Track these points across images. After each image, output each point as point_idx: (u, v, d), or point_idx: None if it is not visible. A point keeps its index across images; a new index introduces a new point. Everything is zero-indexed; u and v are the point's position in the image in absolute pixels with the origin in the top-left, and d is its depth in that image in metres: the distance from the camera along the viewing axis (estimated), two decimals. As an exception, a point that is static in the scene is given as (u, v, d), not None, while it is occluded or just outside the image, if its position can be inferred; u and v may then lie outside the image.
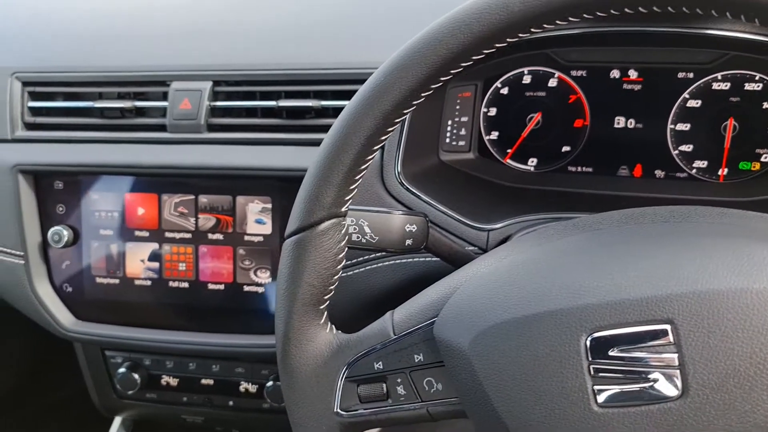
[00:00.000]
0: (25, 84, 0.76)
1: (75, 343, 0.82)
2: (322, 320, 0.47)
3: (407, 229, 0.56)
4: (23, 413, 1.57)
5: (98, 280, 0.75)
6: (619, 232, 0.44)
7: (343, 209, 0.46)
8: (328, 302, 0.48)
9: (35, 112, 0.76)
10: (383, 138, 0.44)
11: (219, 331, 0.72)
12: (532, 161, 0.74)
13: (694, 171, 0.69)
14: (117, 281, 0.74)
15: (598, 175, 0.72)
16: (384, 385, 0.46)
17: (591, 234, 0.44)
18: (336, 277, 0.47)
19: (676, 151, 0.69)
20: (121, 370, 0.79)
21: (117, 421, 0.88)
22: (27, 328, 1.57)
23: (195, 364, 0.78)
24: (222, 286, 0.72)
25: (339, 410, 0.46)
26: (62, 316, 0.75)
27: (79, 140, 0.74)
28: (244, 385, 0.78)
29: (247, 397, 0.78)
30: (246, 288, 0.71)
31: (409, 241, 0.56)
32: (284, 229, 0.69)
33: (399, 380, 0.45)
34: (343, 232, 0.46)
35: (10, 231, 0.75)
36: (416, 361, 0.45)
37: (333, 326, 0.48)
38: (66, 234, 0.73)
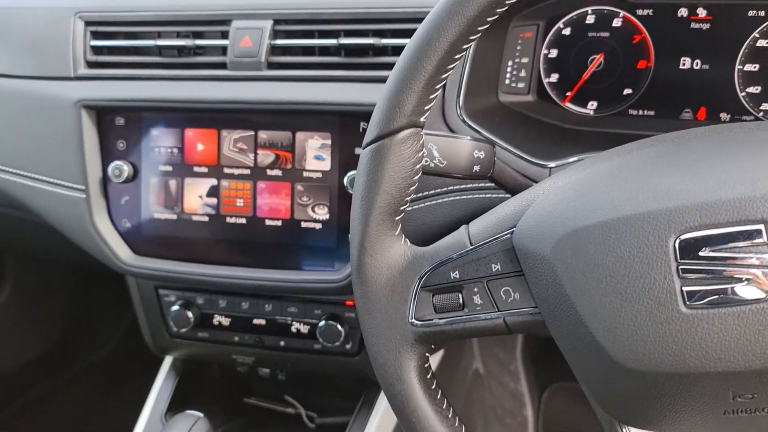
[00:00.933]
0: (87, 23, 0.77)
1: (129, 282, 0.83)
2: (397, 231, 0.48)
3: (475, 155, 0.56)
4: (74, 360, 1.61)
5: (156, 215, 0.76)
6: (703, 142, 0.43)
7: (422, 119, 0.46)
8: (402, 214, 0.48)
9: (97, 50, 0.77)
10: (465, 47, 0.44)
11: (274, 268, 0.72)
12: (592, 104, 0.73)
13: (761, 114, 0.68)
14: (174, 217, 0.75)
15: (659, 118, 0.71)
16: (460, 294, 0.46)
17: (674, 144, 0.44)
18: (412, 188, 0.47)
19: (743, 93, 0.68)
20: (175, 308, 0.80)
21: (168, 360, 0.89)
22: (76, 279, 1.60)
23: (248, 304, 0.79)
24: (279, 223, 0.72)
25: (413, 320, 0.46)
26: (121, 250, 0.76)
27: (140, 78, 0.75)
28: (296, 326, 0.78)
29: (299, 338, 0.78)
30: (303, 224, 0.72)
31: (476, 168, 0.56)
32: (343, 165, 0.70)
33: (476, 290, 0.45)
34: (420, 143, 0.46)
35: (72, 166, 0.76)
36: (494, 270, 0.45)
37: (407, 239, 0.48)
38: (126, 169, 0.74)
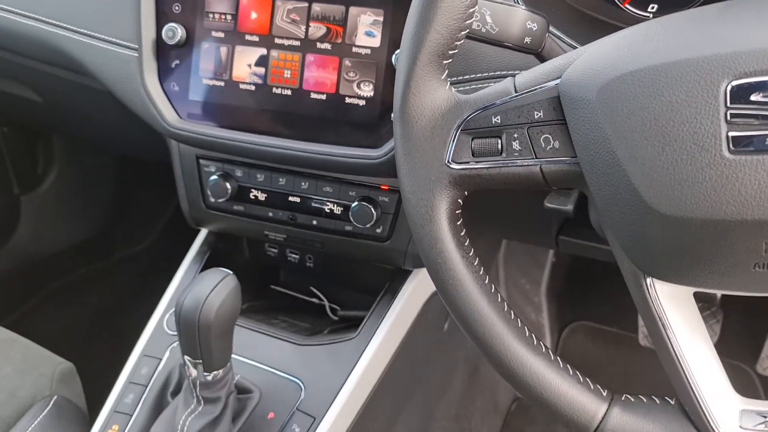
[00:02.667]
0: None
1: (172, 151, 0.85)
2: (443, 76, 0.48)
3: (528, 26, 0.55)
4: (112, 251, 1.67)
5: (204, 81, 0.77)
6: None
7: None
8: (450, 60, 0.48)
9: None
10: None
11: (316, 141, 0.73)
12: (653, 7, 0.71)
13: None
14: (222, 83, 0.76)
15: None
16: (499, 140, 0.46)
17: (737, 3, 0.43)
18: (462, 33, 0.47)
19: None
20: (213, 177, 0.82)
21: (203, 233, 0.91)
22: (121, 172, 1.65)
23: (284, 180, 0.80)
24: (324, 97, 0.73)
25: (450, 162, 0.47)
26: (167, 112, 0.78)
27: None
28: (329, 206, 0.79)
29: (331, 218, 0.80)
30: (347, 100, 0.72)
31: (528, 39, 0.55)
32: (392, 43, 0.70)
33: (515, 135, 0.45)
34: None
35: (127, 25, 0.77)
36: (536, 117, 0.45)
37: (455, 88, 0.48)
38: (180, 32, 0.75)
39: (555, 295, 1.32)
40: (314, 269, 0.94)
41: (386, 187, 0.77)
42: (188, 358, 0.67)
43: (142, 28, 0.76)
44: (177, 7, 0.76)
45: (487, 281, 0.48)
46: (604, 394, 0.46)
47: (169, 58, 0.77)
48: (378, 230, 0.78)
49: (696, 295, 0.44)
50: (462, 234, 0.48)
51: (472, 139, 0.46)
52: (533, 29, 0.55)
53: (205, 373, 0.68)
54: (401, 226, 0.77)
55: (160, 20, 0.77)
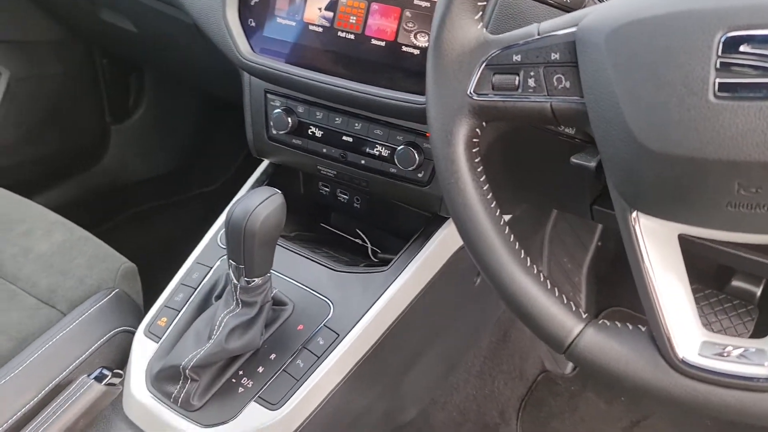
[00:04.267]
0: None
1: (244, 83, 0.93)
2: (477, 16, 0.53)
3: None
4: (186, 186, 1.79)
5: (279, 19, 0.84)
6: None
7: None
8: (485, 3, 0.53)
9: None
10: None
11: (371, 84, 0.79)
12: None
13: None
14: (294, 23, 0.83)
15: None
16: (517, 77, 0.51)
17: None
18: None
19: None
20: (277, 111, 0.89)
21: (264, 164, 1.00)
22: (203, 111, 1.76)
23: (340, 120, 0.87)
24: (383, 43, 0.79)
25: (472, 92, 0.52)
26: (242, 45, 0.85)
27: None
28: (378, 148, 0.86)
29: (378, 159, 0.86)
30: (404, 48, 0.78)
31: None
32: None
33: (532, 73, 0.50)
34: None
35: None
36: (552, 58, 0.49)
37: (485, 29, 0.53)
38: (261, -28, 0.83)
39: (595, 278, 1.34)
40: (360, 211, 1.01)
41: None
42: (232, 262, 0.76)
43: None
44: (262, -50, 0.84)
45: (493, 205, 0.53)
46: (584, 316, 0.50)
47: (250, -4, 0.85)
48: (419, 174, 0.84)
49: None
50: (476, 160, 0.54)
51: (494, 74, 0.51)
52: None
53: (246, 278, 0.76)
54: (441, 173, 0.83)
55: (246, -40, 0.84)
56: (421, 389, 1.01)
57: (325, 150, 0.90)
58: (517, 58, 0.50)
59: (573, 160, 0.67)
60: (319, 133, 0.89)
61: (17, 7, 1.41)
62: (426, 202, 0.86)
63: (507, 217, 0.94)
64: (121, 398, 0.80)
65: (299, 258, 0.89)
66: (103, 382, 0.73)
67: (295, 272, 0.87)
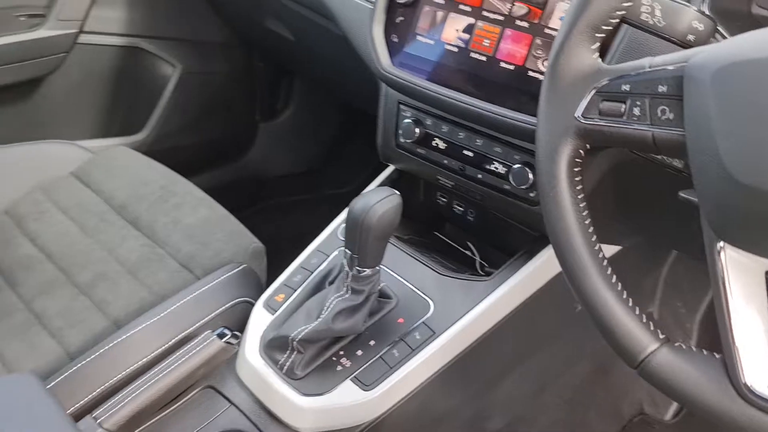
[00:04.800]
0: None
1: (381, 93, 1.01)
2: (594, 46, 0.57)
3: (694, 25, 0.62)
4: (319, 186, 1.92)
5: (419, 37, 0.92)
6: None
7: None
8: (604, 35, 0.57)
9: None
10: None
11: (497, 104, 0.84)
12: None
13: None
14: (432, 42, 0.90)
15: None
16: (624, 105, 0.54)
17: None
18: (618, 13, 0.56)
19: None
20: (407, 121, 0.97)
21: (389, 169, 1.07)
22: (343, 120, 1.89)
23: (463, 134, 0.92)
24: (512, 67, 0.84)
25: (579, 115, 0.56)
26: (384, 58, 0.94)
27: None
28: (495, 164, 0.90)
29: (494, 175, 0.91)
30: (531, 73, 0.82)
31: (691, 37, 0.62)
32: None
33: (638, 103, 0.53)
34: None
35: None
36: (659, 90, 0.52)
37: (600, 59, 0.57)
38: (410, -7, 0.91)
39: (709, 326, 1.29)
40: (473, 224, 1.06)
41: (547, 158, 0.86)
42: (348, 251, 0.83)
43: (379, -16, 0.93)
44: (412, -27, 0.92)
45: (588, 222, 0.57)
46: (661, 336, 0.52)
47: (396, 14, 0.93)
48: (531, 194, 0.88)
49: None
50: (577, 179, 0.57)
51: (602, 101, 0.55)
52: (699, 29, 0.62)
53: (358, 268, 0.83)
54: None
55: (397, -18, 0.93)
56: (509, 403, 1.04)
57: (446, 161, 0.96)
58: (626, 87, 0.54)
59: (681, 195, 0.68)
60: (442, 146, 0.95)
61: (196, 11, 1.60)
62: (535, 221, 0.89)
63: (616, 249, 0.96)
64: (236, 360, 0.89)
65: (409, 259, 0.96)
66: (223, 340, 0.83)
67: (404, 271, 0.93)
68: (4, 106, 1.42)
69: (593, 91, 0.56)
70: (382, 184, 1.06)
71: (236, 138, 1.83)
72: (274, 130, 1.89)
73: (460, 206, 1.06)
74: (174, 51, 1.59)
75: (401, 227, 1.06)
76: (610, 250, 0.98)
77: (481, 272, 1.05)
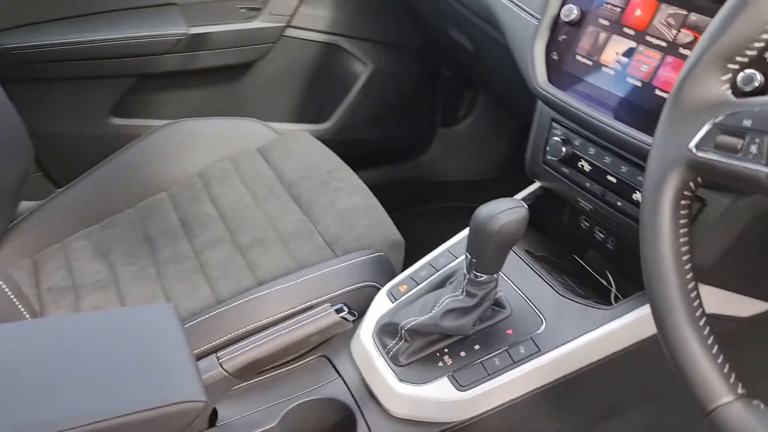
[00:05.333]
0: None
1: (536, 110, 1.02)
2: (724, 77, 0.54)
3: None
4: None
5: (578, 56, 0.91)
6: None
7: None
8: (737, 66, 0.54)
9: None
10: None
11: (647, 132, 0.81)
12: None
13: None
14: (590, 63, 0.90)
15: None
16: (741, 141, 0.51)
17: None
18: (756, 45, 0.53)
19: None
20: (556, 138, 0.97)
21: (534, 185, 1.08)
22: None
23: (609, 159, 0.90)
24: (666, 95, 0.80)
25: (693, 146, 0.54)
26: (541, 75, 0.94)
27: None
28: (637, 194, 0.87)
29: (634, 205, 0.87)
30: (684, 103, 0.79)
31: None
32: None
33: (757, 140, 0.50)
34: None
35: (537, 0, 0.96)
36: None
37: (730, 91, 0.54)
38: (576, 13, 0.91)
39: None
40: (613, 253, 1.03)
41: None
42: (468, 255, 0.86)
43: (549, 5, 0.94)
44: (579, -8, 0.92)
45: (685, 258, 0.54)
46: (740, 391, 0.49)
47: (559, 32, 0.94)
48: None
49: None
50: (682, 213, 0.55)
51: (719, 134, 0.52)
52: None
53: (475, 272, 0.85)
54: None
55: (564, 1, 0.93)
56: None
57: (588, 184, 0.94)
58: (747, 123, 0.51)
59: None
60: (587, 167, 0.94)
61: (394, 16, 1.70)
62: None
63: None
64: (351, 336, 0.96)
65: (533, 275, 0.95)
66: (339, 315, 0.90)
67: (524, 285, 0.94)
68: (217, 85, 1.62)
69: (712, 123, 0.53)
70: (524, 199, 1.07)
71: (413, 139, 1.91)
72: (452, 136, 1.95)
73: (602, 233, 1.03)
74: (368, 51, 1.71)
75: (538, 244, 1.06)
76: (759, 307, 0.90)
77: (613, 303, 1.02)
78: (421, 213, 1.88)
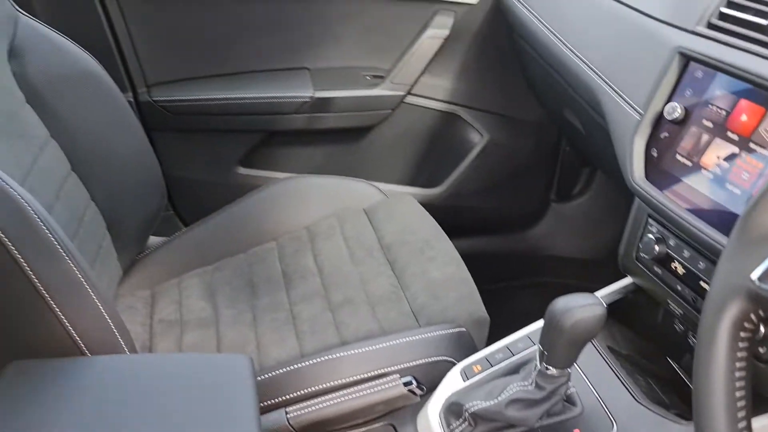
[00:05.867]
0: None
1: (633, 204, 1.00)
2: None
3: None
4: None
5: (678, 156, 0.89)
6: None
7: None
8: None
9: (723, 17, 0.90)
10: None
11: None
12: None
13: None
14: (690, 164, 0.87)
15: None
16: None
17: None
18: None
19: None
20: (650, 236, 0.94)
21: (625, 280, 1.04)
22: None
23: (704, 265, 0.86)
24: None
25: (756, 278, 0.52)
26: (638, 170, 0.93)
27: (751, 52, 0.83)
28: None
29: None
30: None
31: None
32: None
33: None
34: None
35: (645, 93, 0.94)
36: None
37: None
38: (679, 111, 0.89)
39: None
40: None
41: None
42: (540, 346, 0.85)
43: (653, 101, 0.93)
44: (689, 92, 0.90)
45: (739, 394, 0.51)
46: None
47: (660, 129, 0.92)
48: (761, 349, 0.78)
49: None
50: (740, 345, 0.52)
51: None
52: None
53: (545, 364, 0.84)
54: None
55: (669, 98, 0.91)
56: None
57: (679, 287, 0.90)
58: None
59: None
60: (680, 270, 0.90)
61: (515, 90, 1.72)
62: (759, 381, 0.79)
63: None
64: (419, 408, 0.97)
65: (612, 374, 0.92)
66: (407, 388, 0.91)
67: (600, 383, 0.90)
68: (336, 144, 1.72)
69: (777, 256, 0.51)
70: (612, 293, 1.04)
71: (524, 211, 1.90)
72: (565, 212, 1.92)
73: (694, 339, 0.97)
74: (485, 121, 1.74)
75: (625, 341, 1.02)
76: None
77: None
78: (524, 286, 1.86)
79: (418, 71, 1.63)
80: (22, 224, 0.76)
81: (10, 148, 1.02)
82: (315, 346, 1.11)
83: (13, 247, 0.74)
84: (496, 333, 1.17)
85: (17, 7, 1.14)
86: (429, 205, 1.44)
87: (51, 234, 0.79)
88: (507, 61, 1.67)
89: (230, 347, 1.17)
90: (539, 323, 1.03)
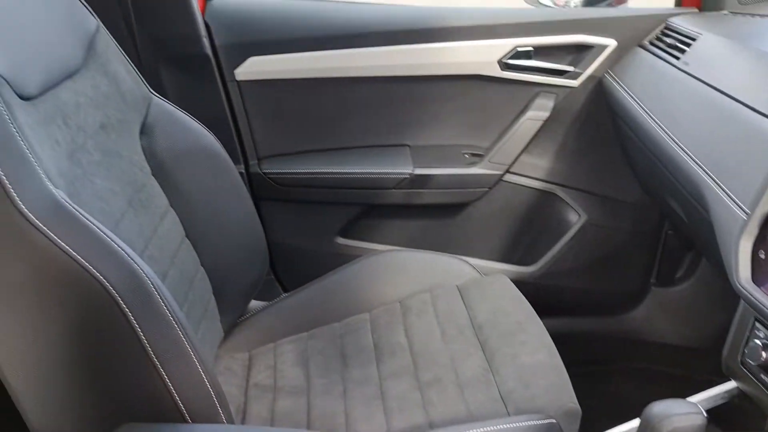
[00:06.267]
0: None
1: (739, 304, 0.96)
2: None
3: None
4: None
5: (785, 260, 0.85)
6: None
7: None
8: None
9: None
10: None
11: None
12: None
13: None
14: (799, 270, 0.84)
15: None
16: None
17: None
18: None
19: None
20: (756, 341, 0.90)
21: (729, 384, 1.00)
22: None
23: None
24: None
25: None
26: (743, 273, 0.89)
27: None
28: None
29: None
30: None
31: None
32: None
33: None
34: None
35: (750, 192, 0.92)
36: None
37: None
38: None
39: None
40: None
41: None
42: (634, 450, 0.82)
43: (761, 200, 0.90)
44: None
45: None
46: None
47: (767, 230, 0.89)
48: None
49: None
50: None
51: None
52: None
53: (639, 470, 0.82)
54: None
55: (776, 198, 0.89)
56: None
57: (786, 400, 0.86)
58: None
59: None
60: (788, 379, 0.86)
61: (616, 171, 1.70)
62: None
63: None
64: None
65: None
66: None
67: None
68: (433, 219, 1.76)
69: None
70: (714, 396, 0.99)
71: (622, 294, 1.85)
72: (666, 297, 1.85)
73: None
74: (583, 201, 1.73)
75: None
76: None
77: None
78: (619, 371, 1.79)
79: (517, 151, 1.65)
80: (140, 294, 0.83)
81: (136, 218, 1.12)
82: (401, 426, 1.12)
83: (132, 316, 0.81)
84: (587, 422, 1.13)
85: (151, 90, 1.26)
86: (522, 283, 1.43)
87: (165, 304, 0.85)
88: (607, 141, 1.66)
89: (320, 417, 1.20)
90: (634, 423, 1.00)
